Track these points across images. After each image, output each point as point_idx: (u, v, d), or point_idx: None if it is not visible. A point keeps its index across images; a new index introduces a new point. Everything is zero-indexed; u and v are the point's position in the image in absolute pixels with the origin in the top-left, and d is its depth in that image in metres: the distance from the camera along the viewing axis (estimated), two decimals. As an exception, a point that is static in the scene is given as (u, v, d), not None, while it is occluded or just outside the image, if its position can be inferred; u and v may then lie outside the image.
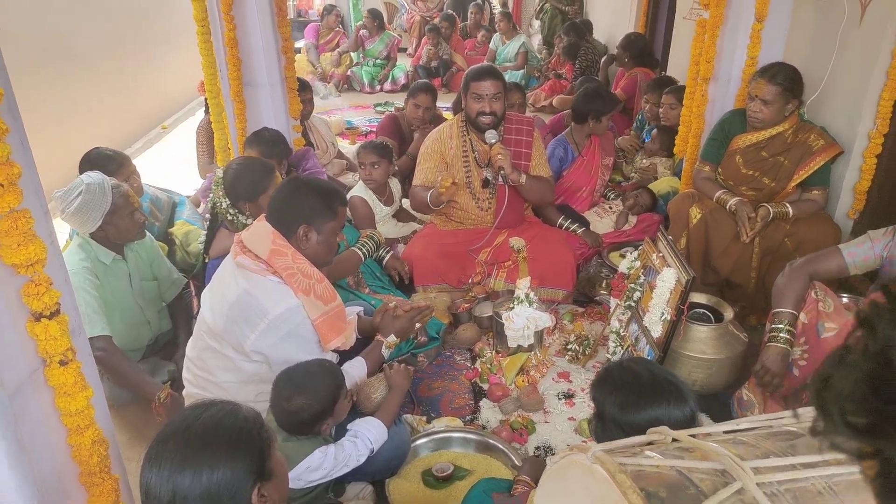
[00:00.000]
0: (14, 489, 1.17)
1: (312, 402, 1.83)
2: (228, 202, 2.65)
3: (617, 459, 0.83)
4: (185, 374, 2.18)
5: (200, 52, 3.33)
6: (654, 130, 4.31)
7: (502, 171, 3.00)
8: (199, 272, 2.84)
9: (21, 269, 1.10)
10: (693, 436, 0.91)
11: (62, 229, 2.73)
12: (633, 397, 1.40)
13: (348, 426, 1.97)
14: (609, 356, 2.61)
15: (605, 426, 1.42)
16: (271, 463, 1.14)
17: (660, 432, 0.92)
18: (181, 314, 2.91)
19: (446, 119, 4.49)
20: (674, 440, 0.93)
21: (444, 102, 6.74)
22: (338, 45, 8.20)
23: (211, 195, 2.68)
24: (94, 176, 2.50)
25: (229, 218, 2.65)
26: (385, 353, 2.33)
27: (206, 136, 4.27)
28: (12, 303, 1.13)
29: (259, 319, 1.92)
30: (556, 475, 0.96)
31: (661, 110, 4.13)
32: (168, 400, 2.36)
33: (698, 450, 0.88)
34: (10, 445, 1.11)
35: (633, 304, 2.60)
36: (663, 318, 2.35)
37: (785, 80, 2.79)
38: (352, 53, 8.12)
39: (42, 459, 1.22)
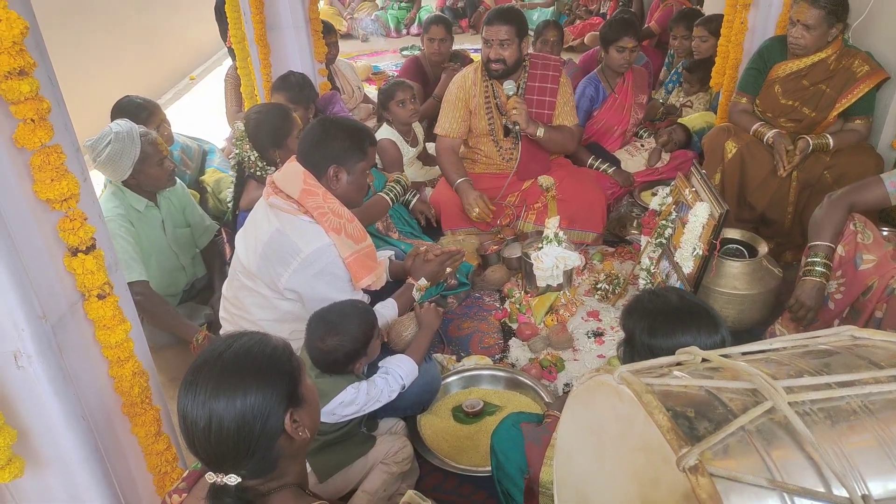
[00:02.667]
0: (62, 419, 1.22)
1: (345, 341, 1.86)
2: (257, 154, 2.66)
3: (644, 380, 0.83)
4: (221, 314, 2.24)
5: (223, -5, 3.29)
6: (682, 67, 4.16)
7: (517, 126, 2.95)
8: (229, 222, 2.88)
9: (55, 204, 1.13)
10: (724, 356, 0.90)
11: (97, 180, 2.79)
12: (661, 320, 1.39)
13: (379, 363, 2.01)
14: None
15: (635, 351, 1.42)
16: (302, 388, 1.17)
17: (689, 352, 0.92)
18: (215, 259, 2.97)
19: (473, 60, 4.40)
20: (703, 361, 0.92)
21: (474, 44, 6.61)
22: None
23: (235, 151, 2.70)
24: (122, 124, 2.52)
25: (258, 172, 2.66)
26: (416, 295, 2.36)
27: (234, 84, 4.25)
28: (49, 238, 1.17)
29: (292, 258, 1.95)
30: (583, 397, 0.96)
31: (692, 43, 3.98)
32: (205, 341, 2.43)
33: (728, 370, 0.87)
34: (56, 375, 1.16)
35: (664, 241, 2.56)
36: (695, 253, 2.31)
37: (829, 2, 2.64)
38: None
39: (87, 390, 1.28)
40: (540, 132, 3.00)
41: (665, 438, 0.74)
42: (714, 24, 3.90)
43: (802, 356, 0.91)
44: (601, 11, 6.53)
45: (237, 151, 2.68)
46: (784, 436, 0.76)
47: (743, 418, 0.76)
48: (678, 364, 0.94)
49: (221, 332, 2.28)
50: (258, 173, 2.65)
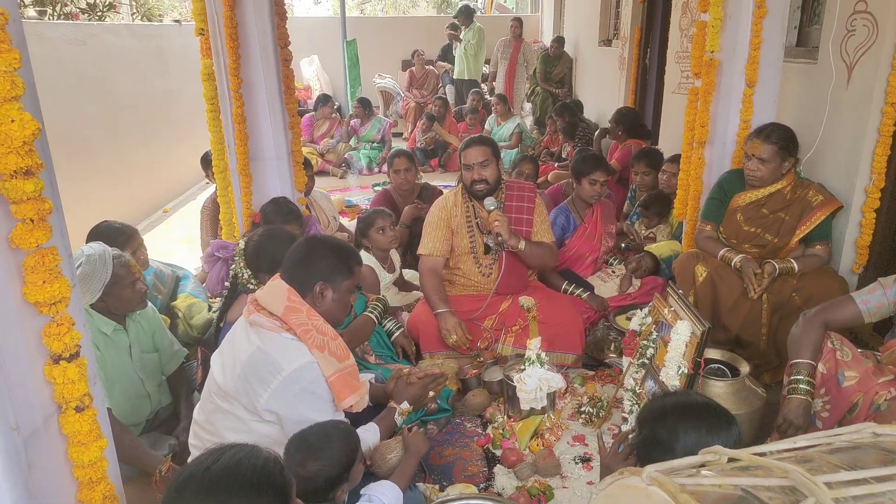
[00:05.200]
0: (18, 551, 1.09)
1: (328, 466, 1.76)
2: (249, 273, 2.66)
3: (676, 480, 0.79)
4: (191, 440, 2.11)
5: (209, 129, 3.41)
6: (638, 206, 4.39)
7: (500, 238, 3.03)
8: (209, 338, 2.80)
9: (44, 307, 1.08)
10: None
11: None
12: (678, 415, 1.39)
13: (361, 491, 1.89)
14: (625, 415, 2.54)
15: (651, 450, 1.38)
16: (293, 506, 1.08)
17: (714, 452, 0.88)
18: (182, 387, 2.83)
19: (443, 193, 4.58)
20: (730, 461, 0.88)
21: (442, 181, 6.90)
22: (334, 134, 8.41)
23: (233, 266, 2.70)
24: (95, 247, 2.50)
25: (251, 288, 2.64)
26: (398, 419, 2.28)
27: (210, 215, 4.31)
28: (31, 345, 1.10)
29: (272, 377, 1.87)
30: (605, 503, 0.90)
31: (663, 178, 4.22)
32: (169, 473, 2.26)
33: (760, 469, 0.83)
34: (21, 496, 1.05)
35: (646, 362, 2.55)
36: (680, 371, 2.30)
37: (780, 139, 2.87)
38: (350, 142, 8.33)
39: (51, 516, 1.15)
40: (521, 245, 3.07)
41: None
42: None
43: (830, 453, 0.89)
44: (562, 155, 6.95)
45: (234, 266, 2.68)
46: (831, 534, 0.71)
47: (787, 517, 0.72)
48: (702, 465, 0.90)
49: (189, 460, 2.13)
50: (251, 288, 2.63)
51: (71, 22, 5.87)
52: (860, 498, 0.75)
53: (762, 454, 0.89)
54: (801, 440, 0.93)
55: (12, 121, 0.97)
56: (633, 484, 0.83)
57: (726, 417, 1.41)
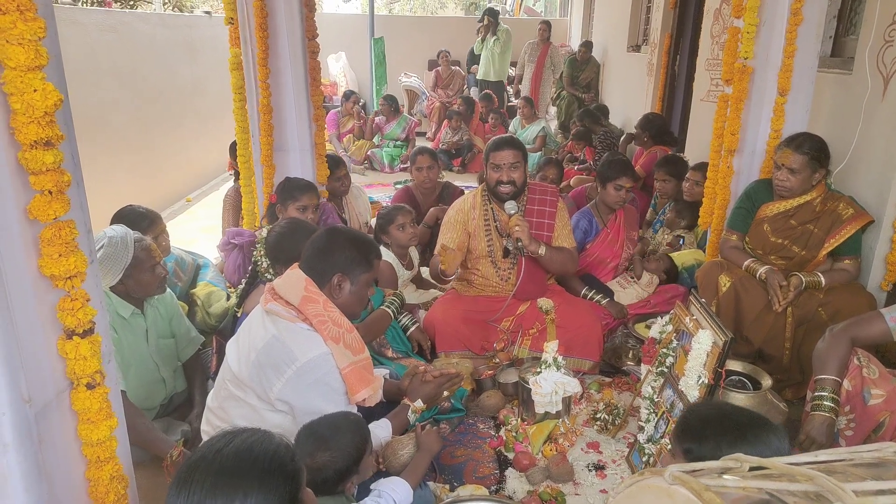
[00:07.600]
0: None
1: (337, 457, 1.74)
2: (268, 262, 2.66)
3: (700, 479, 0.76)
4: (203, 426, 2.10)
5: (235, 118, 3.42)
6: (671, 204, 4.33)
7: (520, 242, 2.99)
8: (225, 327, 2.80)
9: (59, 281, 1.07)
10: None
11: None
12: (737, 431, 1.40)
13: (372, 486, 1.87)
14: (642, 424, 2.49)
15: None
16: (302, 494, 1.07)
17: (736, 458, 0.85)
18: (197, 374, 2.84)
19: (464, 192, 4.55)
20: (752, 469, 0.85)
21: (464, 182, 6.88)
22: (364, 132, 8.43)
23: (254, 252, 2.71)
24: (117, 229, 2.51)
25: (269, 278, 2.65)
26: (411, 417, 2.26)
27: (232, 204, 4.33)
28: (45, 319, 1.10)
29: (287, 366, 1.86)
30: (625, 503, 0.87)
31: (686, 185, 4.15)
32: (180, 458, 2.26)
33: (783, 476, 0.80)
34: (30, 470, 1.04)
35: (665, 370, 2.50)
36: (700, 381, 2.25)
37: (811, 149, 2.80)
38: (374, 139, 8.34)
39: (59, 492, 1.14)
40: (542, 250, 3.03)
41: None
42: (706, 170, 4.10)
43: (853, 466, 0.85)
44: (586, 161, 6.89)
45: (254, 254, 2.69)
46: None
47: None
48: (723, 472, 0.86)
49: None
50: (269, 277, 2.63)
51: (103, 9, 5.95)
52: (887, 508, 0.72)
53: (785, 464, 0.86)
54: (822, 454, 0.90)
55: (35, 90, 0.96)
56: (654, 484, 0.81)
57: (780, 432, 1.41)
